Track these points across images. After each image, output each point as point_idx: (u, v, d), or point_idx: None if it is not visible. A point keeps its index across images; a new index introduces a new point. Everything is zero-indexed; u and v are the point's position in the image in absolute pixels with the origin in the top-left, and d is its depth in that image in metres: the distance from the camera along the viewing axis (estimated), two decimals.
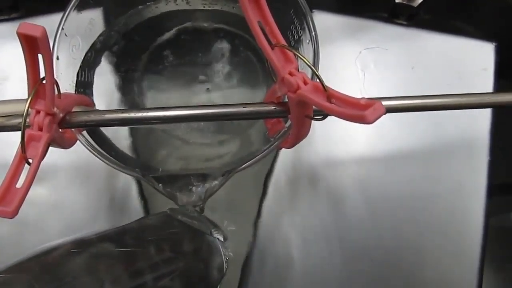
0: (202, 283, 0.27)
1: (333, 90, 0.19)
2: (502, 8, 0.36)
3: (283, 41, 0.21)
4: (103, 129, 0.28)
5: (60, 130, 0.22)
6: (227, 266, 0.28)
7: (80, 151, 0.25)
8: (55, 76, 0.21)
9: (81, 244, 0.24)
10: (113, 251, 0.24)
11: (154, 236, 0.26)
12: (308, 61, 0.20)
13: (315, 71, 0.20)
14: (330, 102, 0.19)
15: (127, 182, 0.32)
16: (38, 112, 0.20)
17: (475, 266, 0.32)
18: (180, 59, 0.31)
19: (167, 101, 0.31)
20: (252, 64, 0.31)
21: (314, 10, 0.35)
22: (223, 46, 0.31)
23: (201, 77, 0.31)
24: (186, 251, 0.26)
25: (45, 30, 0.18)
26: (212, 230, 0.28)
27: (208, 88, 0.31)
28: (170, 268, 0.25)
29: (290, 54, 0.21)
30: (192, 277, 0.26)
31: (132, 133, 0.30)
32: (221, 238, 0.28)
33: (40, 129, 0.20)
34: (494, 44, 0.36)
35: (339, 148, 0.33)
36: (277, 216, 0.32)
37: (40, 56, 0.19)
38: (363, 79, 0.35)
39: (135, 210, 0.32)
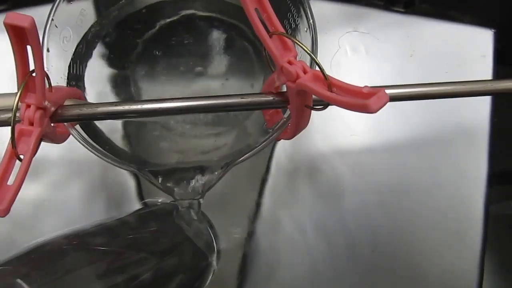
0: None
1: (334, 78, 0.19)
2: None
3: (281, 29, 0.20)
4: (96, 122, 0.27)
5: (52, 124, 0.21)
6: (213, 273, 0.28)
7: (73, 146, 0.25)
8: (45, 69, 0.20)
9: (74, 239, 0.24)
10: (106, 247, 0.24)
11: (147, 232, 0.27)
12: (307, 49, 0.19)
13: (315, 59, 0.20)
14: (331, 91, 0.18)
15: (122, 176, 0.32)
16: (28, 106, 0.19)
17: (476, 254, 0.32)
18: (175, 50, 0.30)
19: (162, 93, 0.30)
20: (248, 54, 0.30)
21: None
22: (218, 36, 0.30)
23: (197, 68, 0.30)
24: (175, 249, 0.27)
25: (34, 20, 0.17)
26: (210, 243, 0.28)
27: (203, 78, 0.30)
28: (159, 262, 0.25)
29: (289, 42, 0.20)
30: (179, 273, 0.27)
31: (127, 126, 0.29)
32: (215, 255, 0.28)
33: (31, 124, 0.20)
34: (492, 30, 0.35)
35: (337, 139, 0.33)
36: (275, 208, 0.32)
37: (29, 48, 0.18)
38: (360, 67, 0.34)
39: (131, 205, 0.31)
